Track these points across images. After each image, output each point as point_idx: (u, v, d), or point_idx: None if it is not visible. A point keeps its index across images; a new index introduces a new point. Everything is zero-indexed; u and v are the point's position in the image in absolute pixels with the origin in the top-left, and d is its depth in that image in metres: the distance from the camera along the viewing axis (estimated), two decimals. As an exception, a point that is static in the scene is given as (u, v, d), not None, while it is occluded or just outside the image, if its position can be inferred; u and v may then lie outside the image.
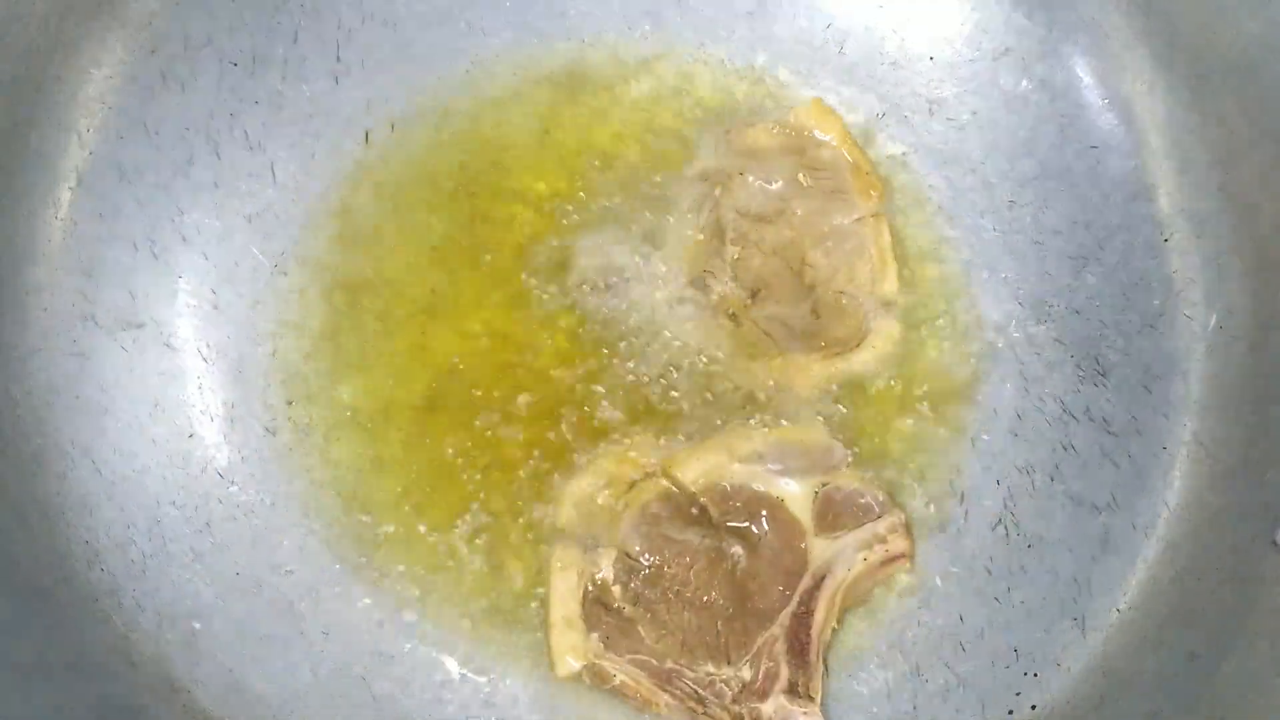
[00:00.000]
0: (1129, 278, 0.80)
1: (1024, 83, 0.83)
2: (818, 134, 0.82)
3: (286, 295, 0.80)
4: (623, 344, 0.79)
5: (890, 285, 0.80)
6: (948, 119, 0.83)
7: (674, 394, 0.78)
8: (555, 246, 0.81)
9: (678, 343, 0.79)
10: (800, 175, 0.81)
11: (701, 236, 0.81)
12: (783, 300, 0.80)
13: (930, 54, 0.84)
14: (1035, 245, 0.81)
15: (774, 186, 0.81)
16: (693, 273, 0.80)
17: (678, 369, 0.79)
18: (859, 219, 0.80)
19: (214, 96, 0.80)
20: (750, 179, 0.81)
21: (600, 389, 0.78)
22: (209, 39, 0.80)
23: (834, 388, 0.78)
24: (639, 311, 0.79)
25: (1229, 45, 0.76)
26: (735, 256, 0.80)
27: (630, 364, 0.79)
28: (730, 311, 0.79)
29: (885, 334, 0.79)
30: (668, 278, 0.80)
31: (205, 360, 0.78)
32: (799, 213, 0.81)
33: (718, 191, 0.81)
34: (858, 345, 0.79)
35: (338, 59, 0.82)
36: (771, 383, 0.78)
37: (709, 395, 0.78)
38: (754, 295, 0.80)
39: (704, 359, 0.79)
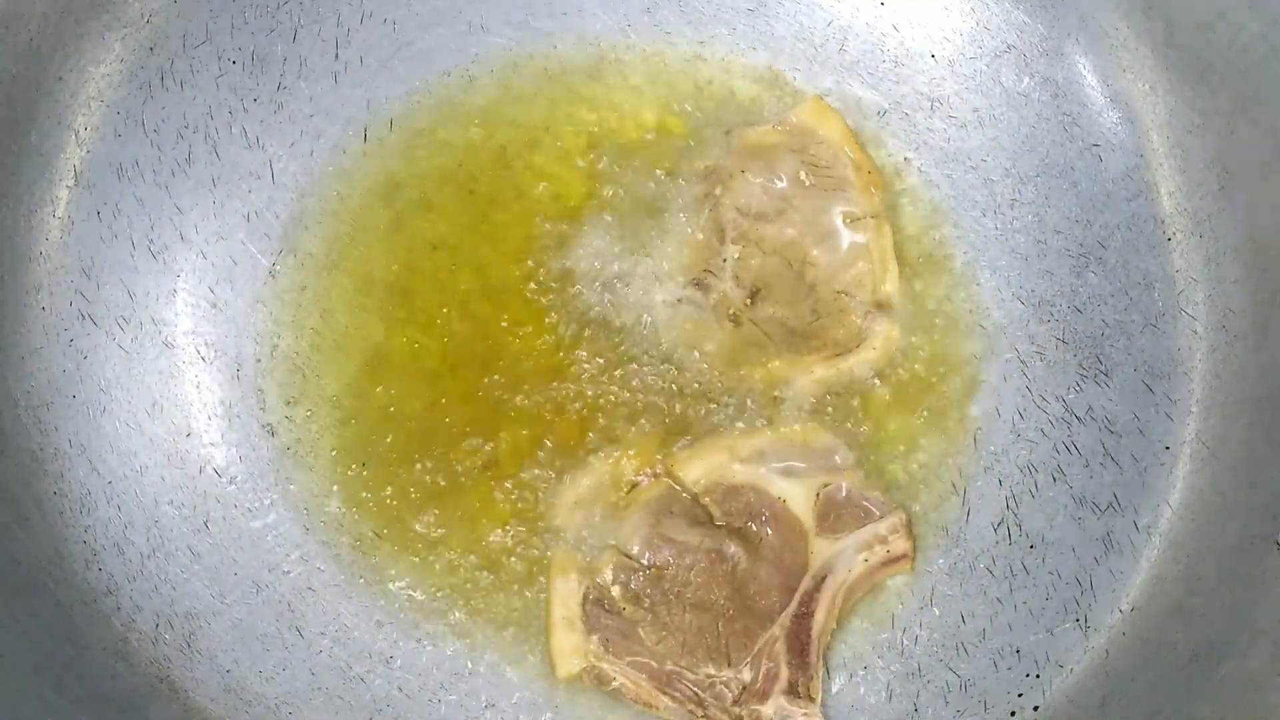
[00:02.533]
0: (1131, 277, 0.80)
1: (1025, 81, 0.83)
2: (819, 133, 0.82)
3: (285, 294, 0.79)
4: (623, 345, 0.79)
5: (891, 285, 0.80)
6: (949, 117, 0.83)
7: (674, 395, 0.78)
8: (555, 246, 0.81)
9: (678, 343, 0.79)
10: (801, 174, 0.81)
11: (701, 236, 0.81)
12: (782, 300, 0.80)
13: (931, 52, 0.84)
14: (1037, 244, 0.81)
15: (775, 185, 0.81)
16: (693, 272, 0.80)
17: (678, 370, 0.78)
18: (860, 218, 0.80)
19: (213, 95, 0.80)
20: (751, 178, 0.81)
21: (601, 390, 0.78)
22: (208, 37, 0.80)
23: (836, 389, 0.78)
24: (639, 312, 0.79)
25: (1229, 44, 0.76)
26: (735, 255, 0.80)
27: (631, 365, 0.78)
28: (730, 312, 0.79)
29: (885, 335, 0.79)
30: (668, 277, 0.80)
31: (203, 359, 0.78)
32: (800, 212, 0.81)
33: (718, 190, 0.81)
34: (858, 346, 0.79)
35: (337, 57, 0.82)
36: (772, 384, 0.78)
37: (709, 396, 0.78)
38: (753, 295, 0.79)
39: (704, 360, 0.79)
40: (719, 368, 0.78)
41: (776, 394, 0.78)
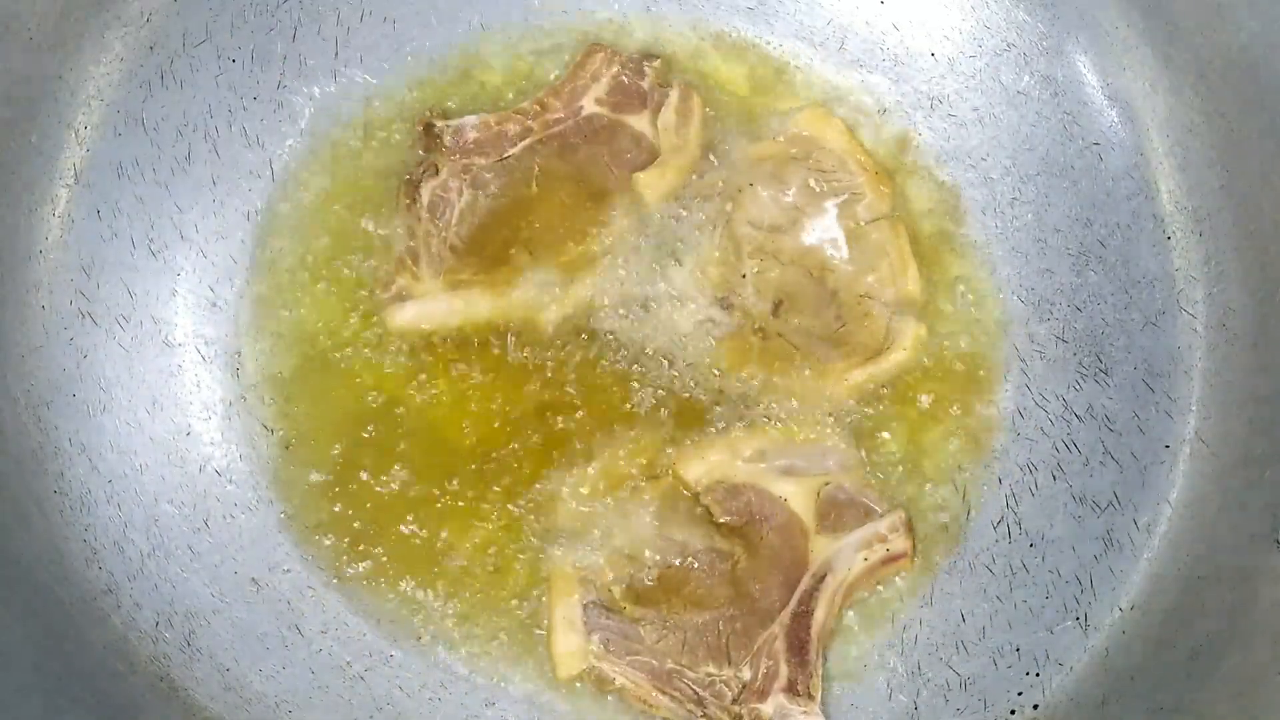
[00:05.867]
0: (1131, 275, 0.80)
1: (1025, 79, 0.83)
2: (821, 139, 0.81)
3: (285, 293, 0.79)
4: (641, 369, 0.78)
5: (913, 284, 0.79)
6: (949, 115, 0.83)
7: (712, 418, 0.77)
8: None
9: (706, 363, 0.78)
10: (810, 181, 0.81)
11: (718, 254, 0.80)
12: (806, 309, 0.79)
13: (931, 50, 0.84)
14: (1037, 242, 0.81)
15: (784, 196, 0.80)
16: (716, 291, 0.79)
17: (708, 390, 0.77)
18: (874, 219, 0.80)
19: (213, 94, 0.80)
20: (760, 190, 0.80)
21: (606, 394, 0.77)
22: (208, 36, 0.80)
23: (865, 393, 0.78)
24: (663, 336, 0.78)
25: (1230, 42, 0.76)
26: (754, 270, 0.79)
27: (657, 389, 0.77)
28: (757, 327, 0.79)
29: (914, 335, 0.78)
30: (690, 299, 0.79)
31: (203, 358, 0.78)
32: (813, 219, 0.80)
33: (729, 207, 0.80)
34: (888, 347, 0.78)
35: (336, 56, 0.82)
36: (805, 394, 0.77)
37: (742, 413, 0.77)
38: (776, 307, 0.79)
39: (737, 380, 0.78)
40: (751, 385, 0.77)
41: (807, 404, 0.77)
